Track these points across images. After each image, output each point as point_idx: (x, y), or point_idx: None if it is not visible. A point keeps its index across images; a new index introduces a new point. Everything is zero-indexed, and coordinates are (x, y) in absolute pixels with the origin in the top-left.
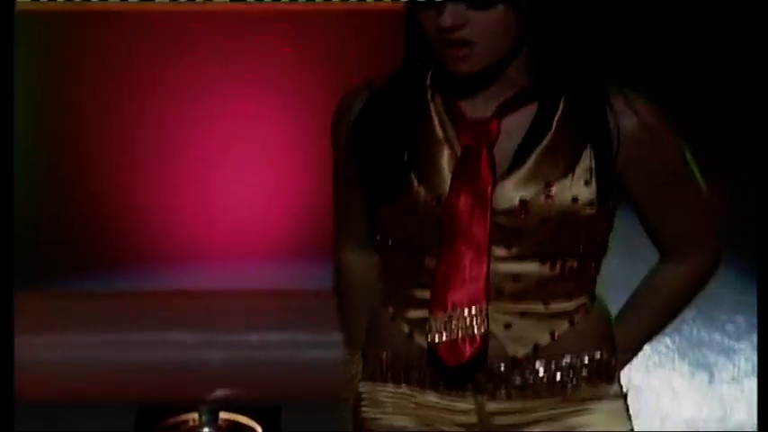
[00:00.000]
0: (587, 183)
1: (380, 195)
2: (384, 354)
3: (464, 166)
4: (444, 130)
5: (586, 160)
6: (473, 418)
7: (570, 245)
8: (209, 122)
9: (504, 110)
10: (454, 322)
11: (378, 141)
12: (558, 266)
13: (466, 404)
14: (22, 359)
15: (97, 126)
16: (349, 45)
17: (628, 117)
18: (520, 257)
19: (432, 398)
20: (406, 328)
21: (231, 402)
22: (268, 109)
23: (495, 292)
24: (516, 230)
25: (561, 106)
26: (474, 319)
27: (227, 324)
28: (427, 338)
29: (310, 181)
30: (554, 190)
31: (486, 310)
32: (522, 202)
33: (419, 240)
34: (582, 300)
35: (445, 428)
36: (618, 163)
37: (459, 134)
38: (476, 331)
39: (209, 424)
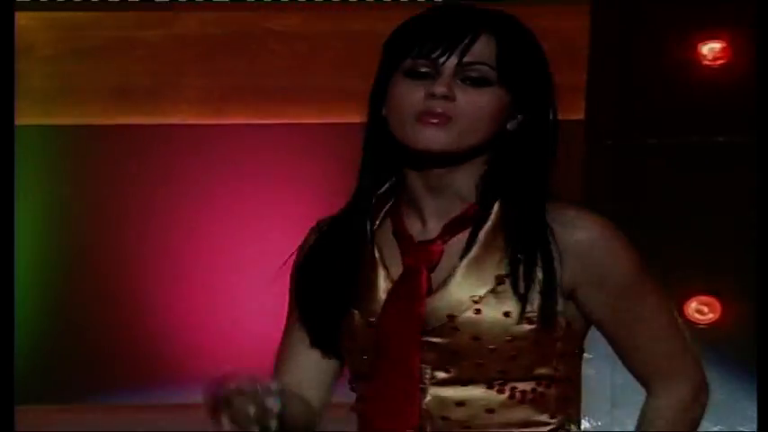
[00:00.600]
0: (522, 297)
1: (326, 326)
2: None
3: (399, 287)
4: (381, 252)
5: (518, 278)
6: None
7: (515, 367)
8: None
9: (448, 231)
10: None
11: (319, 273)
12: (506, 391)
13: None
14: None
15: (118, 240)
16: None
17: (572, 230)
18: (462, 381)
19: None
20: None
21: None
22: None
23: (440, 419)
24: (451, 350)
25: (493, 216)
26: None
27: None
28: None
29: None
30: (482, 305)
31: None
32: (450, 318)
33: (360, 366)
34: (544, 429)
35: None
36: (564, 279)
37: (402, 255)
38: None
39: None
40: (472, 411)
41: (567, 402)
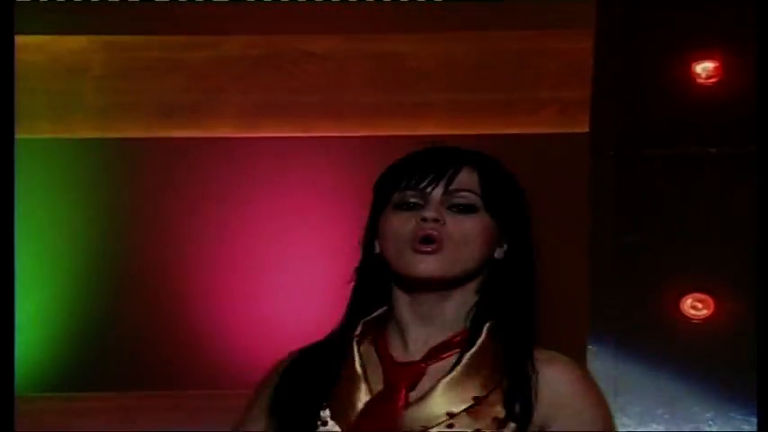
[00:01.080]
0: (496, 419)
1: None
2: None
3: (376, 403)
4: (365, 370)
5: (496, 401)
6: None
7: None
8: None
9: (433, 355)
10: None
11: (300, 388)
12: None
13: None
14: None
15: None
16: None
17: (549, 369)
18: None
19: None
20: None
21: None
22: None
23: None
24: None
25: (481, 340)
26: None
27: None
28: None
29: None
30: (456, 421)
31: None
32: (424, 429)
33: None
34: None
35: None
36: (539, 412)
37: (384, 375)
38: None
39: None
40: None
41: None
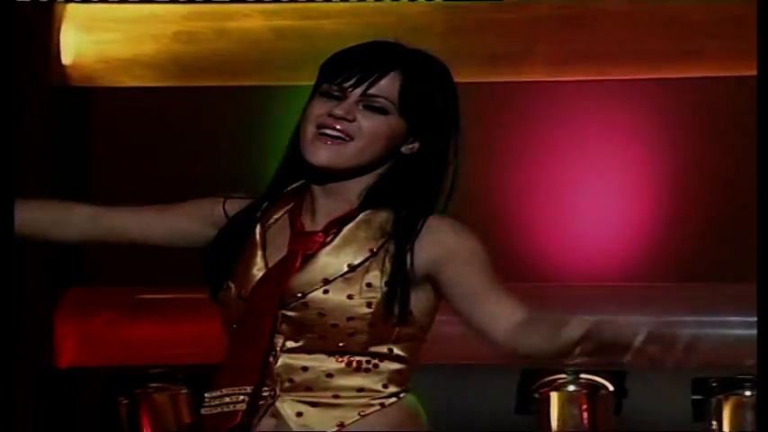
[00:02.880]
0: (369, 285)
1: (214, 294)
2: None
3: (275, 268)
4: (264, 238)
5: (376, 265)
6: None
7: (353, 342)
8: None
9: (330, 227)
10: (216, 401)
11: (218, 246)
12: (344, 361)
13: None
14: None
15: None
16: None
17: (434, 231)
18: (308, 350)
19: None
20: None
21: (589, 366)
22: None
23: (287, 381)
24: (300, 323)
25: (361, 216)
26: (231, 398)
27: (591, 307)
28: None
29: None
30: (331, 287)
31: (255, 393)
32: (303, 295)
33: (230, 333)
34: (377, 395)
35: None
36: (419, 267)
37: (289, 242)
38: (233, 409)
39: (573, 381)
40: (314, 375)
41: (400, 375)
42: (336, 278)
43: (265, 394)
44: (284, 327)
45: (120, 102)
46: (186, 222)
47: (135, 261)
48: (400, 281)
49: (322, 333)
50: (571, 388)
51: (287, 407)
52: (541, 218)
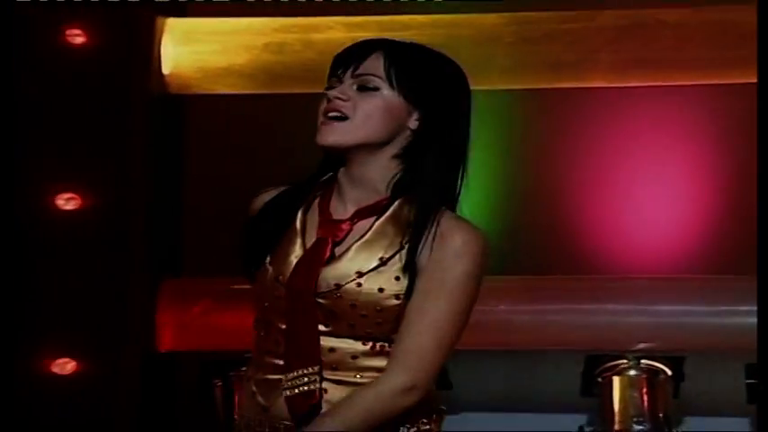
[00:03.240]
0: (398, 279)
1: (248, 272)
2: (236, 412)
3: (308, 254)
4: (304, 226)
5: (399, 260)
6: None
7: (379, 330)
8: (636, 167)
9: (357, 215)
10: (296, 382)
11: (258, 228)
12: (369, 345)
13: None
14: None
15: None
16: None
17: (449, 234)
18: (336, 335)
19: None
20: (253, 388)
21: (649, 352)
22: (677, 156)
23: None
24: (330, 311)
25: (391, 209)
26: (309, 377)
27: (650, 298)
28: (269, 398)
29: (716, 209)
30: (364, 280)
31: (320, 372)
32: (337, 286)
33: (268, 313)
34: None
35: None
36: (420, 263)
37: (318, 229)
38: (310, 387)
39: (634, 367)
40: (340, 356)
41: None
42: (369, 271)
43: (299, 372)
44: (318, 313)
45: (214, 108)
46: None
47: (229, 253)
48: (413, 272)
49: (351, 321)
50: (632, 373)
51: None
52: (604, 214)
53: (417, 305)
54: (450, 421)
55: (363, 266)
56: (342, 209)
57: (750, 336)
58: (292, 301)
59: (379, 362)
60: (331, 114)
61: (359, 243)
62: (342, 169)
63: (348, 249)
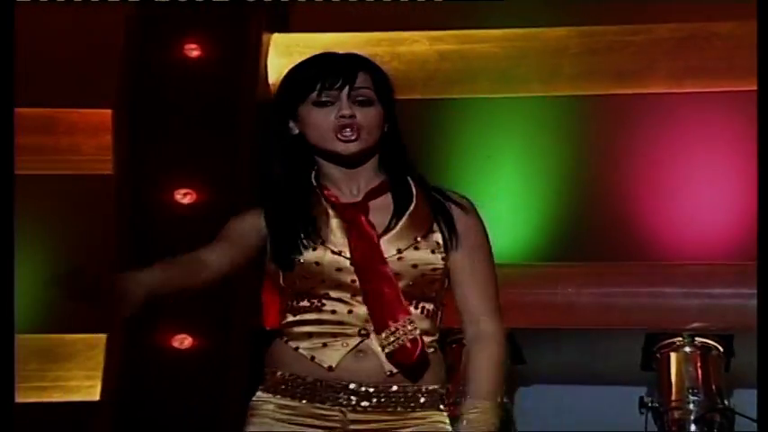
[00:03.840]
0: (438, 244)
1: (289, 260)
2: (280, 372)
3: (353, 230)
4: (326, 211)
5: (434, 235)
6: (337, 424)
7: (425, 292)
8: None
9: (371, 196)
10: (396, 335)
11: (283, 222)
12: (419, 307)
13: (334, 413)
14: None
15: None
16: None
17: (460, 207)
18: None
19: (308, 408)
20: (307, 354)
21: (702, 331)
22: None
23: None
24: (397, 273)
25: (414, 191)
26: (408, 326)
27: (702, 282)
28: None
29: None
30: (420, 244)
31: (414, 320)
32: (399, 251)
33: (324, 288)
34: (432, 340)
35: None
36: (453, 239)
37: (339, 212)
38: (413, 335)
39: (689, 344)
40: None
41: (438, 329)
42: (422, 237)
43: (364, 333)
44: None
45: None
46: (249, 242)
47: None
48: (454, 237)
49: (411, 281)
50: (687, 349)
51: (376, 344)
52: (660, 206)
53: (469, 265)
54: (523, 393)
55: (417, 234)
56: (348, 194)
57: None
58: (364, 271)
59: (425, 324)
60: (347, 133)
61: (406, 216)
62: (329, 167)
63: (399, 221)
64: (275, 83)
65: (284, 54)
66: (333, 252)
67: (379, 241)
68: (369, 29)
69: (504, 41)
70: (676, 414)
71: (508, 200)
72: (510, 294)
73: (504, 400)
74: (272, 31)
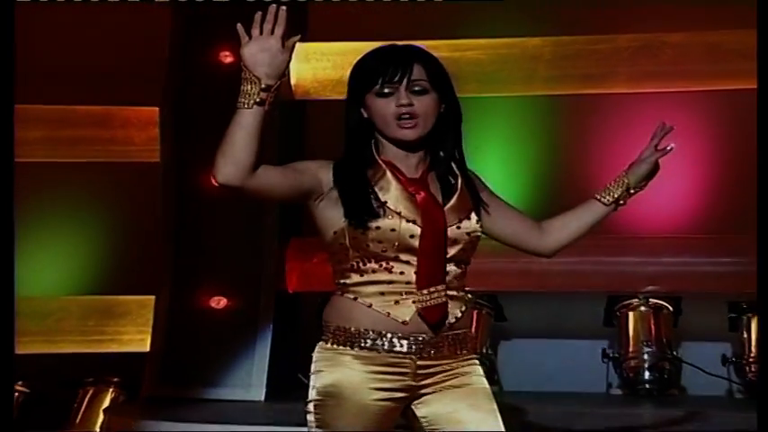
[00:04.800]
0: (477, 221)
1: (362, 224)
2: (354, 327)
3: (424, 202)
4: (397, 181)
5: (473, 206)
6: (408, 369)
7: (468, 255)
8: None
9: (428, 172)
10: (429, 296)
11: (355, 191)
12: (460, 267)
13: (406, 360)
14: None
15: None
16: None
17: (477, 181)
18: (450, 260)
19: (386, 358)
20: (382, 311)
21: (655, 293)
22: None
23: None
24: (454, 240)
25: (458, 172)
26: (438, 293)
27: (655, 252)
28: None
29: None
30: (471, 215)
31: (446, 289)
32: (459, 220)
33: (396, 251)
34: (463, 294)
35: (386, 384)
36: (482, 208)
37: (405, 185)
38: (441, 300)
39: (644, 304)
40: (450, 277)
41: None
42: (472, 210)
43: (432, 290)
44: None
45: (326, 110)
46: (306, 182)
47: None
48: (479, 205)
49: (464, 246)
50: (642, 309)
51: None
52: None
53: (502, 210)
54: (504, 346)
55: (469, 207)
56: (408, 171)
57: (728, 280)
58: (430, 236)
59: (461, 282)
60: (407, 119)
61: (458, 192)
62: (389, 147)
63: (452, 196)
64: (296, 83)
65: (303, 60)
66: (407, 221)
67: (443, 212)
68: (375, 39)
69: (489, 49)
70: (632, 363)
71: (493, 184)
72: (494, 263)
73: (490, 352)
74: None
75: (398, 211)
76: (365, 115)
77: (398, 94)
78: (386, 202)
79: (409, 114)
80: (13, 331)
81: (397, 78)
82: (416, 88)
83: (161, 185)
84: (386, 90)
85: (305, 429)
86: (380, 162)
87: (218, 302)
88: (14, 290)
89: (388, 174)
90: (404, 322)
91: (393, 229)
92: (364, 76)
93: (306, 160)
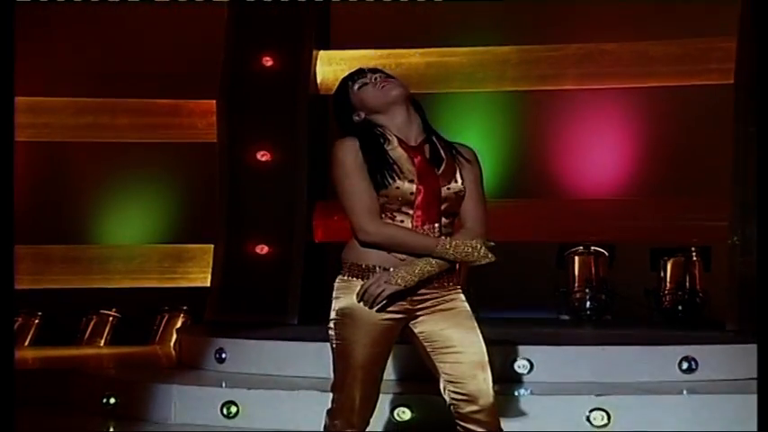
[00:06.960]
0: (462, 182)
1: (385, 186)
2: (365, 263)
3: (421, 167)
4: (402, 150)
5: (459, 172)
6: (406, 304)
7: (456, 209)
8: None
9: (423, 143)
10: (431, 233)
11: (376, 161)
12: (449, 218)
13: (404, 294)
14: None
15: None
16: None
17: (467, 153)
18: (444, 214)
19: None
20: (386, 250)
21: (595, 242)
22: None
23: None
24: (446, 198)
25: (444, 149)
26: (435, 230)
27: (596, 211)
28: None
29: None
30: (458, 179)
31: (440, 227)
32: (449, 182)
33: (400, 205)
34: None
35: (389, 308)
36: (464, 174)
37: (408, 153)
38: (436, 234)
39: (587, 250)
40: (444, 226)
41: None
42: (459, 174)
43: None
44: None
45: None
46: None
47: None
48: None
49: (454, 203)
50: (585, 254)
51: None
52: (572, 163)
53: (474, 191)
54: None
55: (456, 172)
56: (409, 140)
57: (650, 232)
58: (428, 194)
59: (451, 228)
60: (387, 83)
61: (447, 160)
62: (391, 125)
63: (441, 163)
64: (322, 81)
65: (327, 64)
66: (409, 181)
67: (438, 176)
68: (382, 46)
69: (468, 55)
70: (578, 296)
71: None
72: None
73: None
74: (319, 49)
75: (404, 174)
76: (361, 116)
77: (371, 78)
78: (397, 168)
79: (385, 80)
80: (12, 327)
81: (366, 73)
82: (382, 75)
83: (218, 160)
84: (362, 82)
85: (327, 343)
86: (389, 137)
87: (262, 249)
88: (13, 284)
89: (395, 143)
90: (402, 259)
91: (398, 187)
92: (341, 89)
93: (356, 171)
